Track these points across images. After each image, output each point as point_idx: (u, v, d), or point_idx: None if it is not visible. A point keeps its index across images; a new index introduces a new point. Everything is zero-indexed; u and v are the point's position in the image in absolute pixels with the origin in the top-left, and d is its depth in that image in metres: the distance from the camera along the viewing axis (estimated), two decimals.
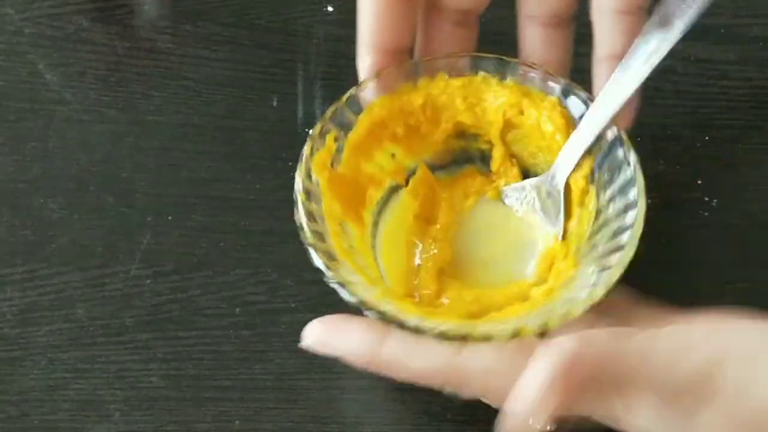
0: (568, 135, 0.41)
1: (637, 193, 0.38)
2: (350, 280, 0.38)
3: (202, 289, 0.46)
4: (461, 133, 0.43)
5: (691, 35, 0.50)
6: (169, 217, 0.47)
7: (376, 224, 0.43)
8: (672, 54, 0.49)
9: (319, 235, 0.39)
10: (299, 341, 0.45)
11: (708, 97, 0.49)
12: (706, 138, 0.48)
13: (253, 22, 0.51)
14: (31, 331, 0.45)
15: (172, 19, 0.51)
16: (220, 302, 0.46)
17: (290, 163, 0.48)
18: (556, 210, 0.41)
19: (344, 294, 0.38)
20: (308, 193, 0.40)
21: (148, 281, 0.46)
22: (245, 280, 0.46)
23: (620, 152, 0.39)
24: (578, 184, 0.40)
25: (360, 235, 0.41)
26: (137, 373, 0.44)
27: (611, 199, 0.39)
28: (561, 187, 0.41)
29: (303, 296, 0.45)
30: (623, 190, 0.38)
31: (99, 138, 0.49)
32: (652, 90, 0.48)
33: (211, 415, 0.44)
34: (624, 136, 0.39)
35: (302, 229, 0.39)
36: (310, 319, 0.45)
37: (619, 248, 0.37)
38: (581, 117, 0.40)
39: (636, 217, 0.37)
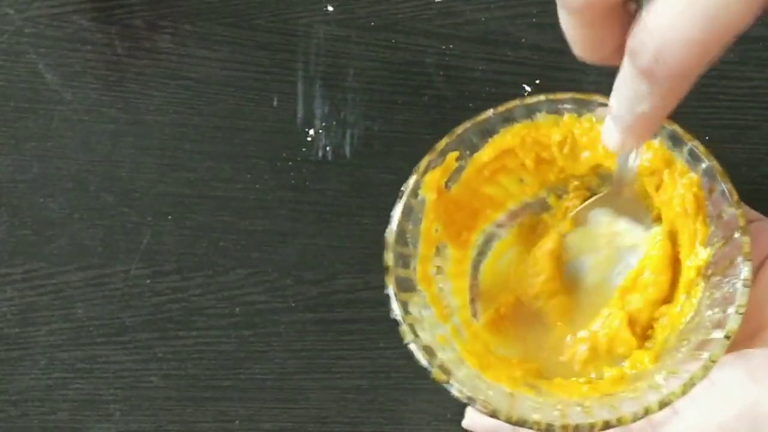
0: (695, 218, 0.38)
1: (734, 313, 0.35)
2: (417, 315, 0.37)
3: (202, 289, 0.46)
4: (599, 173, 0.42)
5: None
6: (169, 217, 0.47)
7: (489, 242, 0.42)
8: None
9: (403, 260, 0.38)
10: (299, 341, 0.45)
11: (708, 97, 0.49)
12: (706, 138, 0.48)
13: (253, 22, 0.51)
14: (31, 331, 0.45)
15: (172, 19, 0.51)
16: (220, 302, 0.46)
17: (290, 163, 0.48)
18: (641, 211, 0.40)
19: (403, 332, 0.36)
20: (408, 212, 0.38)
21: (148, 281, 0.46)
22: (245, 280, 0.46)
23: (738, 260, 0.36)
24: (689, 273, 0.38)
25: (459, 258, 0.40)
26: (137, 373, 0.44)
27: (712, 306, 0.37)
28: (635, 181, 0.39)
29: (303, 296, 0.46)
30: (725, 302, 0.36)
31: (99, 138, 0.49)
32: None
33: (211, 415, 0.44)
34: (748, 249, 0.36)
35: (387, 250, 0.38)
36: (310, 319, 0.45)
37: (696, 361, 0.35)
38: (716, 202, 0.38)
39: (719, 344, 0.35)
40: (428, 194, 0.39)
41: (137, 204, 0.48)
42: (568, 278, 0.41)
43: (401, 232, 0.38)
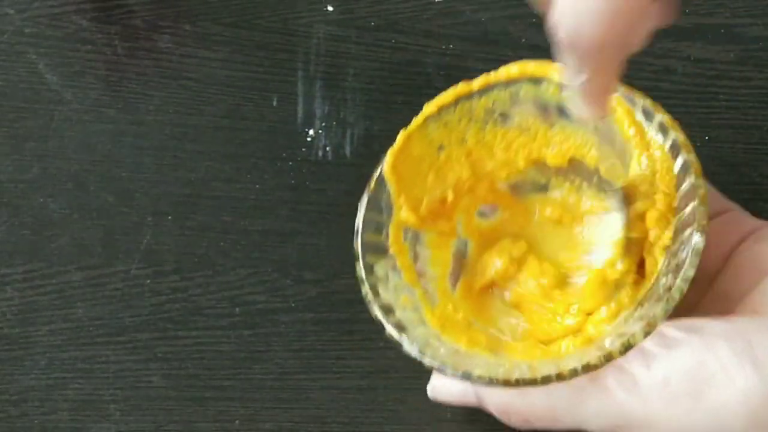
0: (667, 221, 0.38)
1: (680, 280, 0.35)
2: (382, 275, 0.38)
3: (202, 289, 0.46)
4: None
5: (691, 35, 0.50)
6: (169, 217, 0.47)
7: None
8: (672, 53, 0.49)
9: (376, 225, 0.39)
10: (299, 341, 0.45)
11: (708, 97, 0.49)
12: (706, 138, 0.48)
13: (253, 22, 0.51)
14: (31, 330, 0.45)
15: (172, 19, 0.51)
16: (220, 302, 0.46)
17: (290, 163, 0.48)
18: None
19: (365, 292, 0.37)
20: (383, 180, 0.39)
21: (148, 281, 0.46)
22: (245, 280, 0.46)
23: (693, 229, 0.36)
24: (657, 253, 0.38)
25: (443, 229, 0.41)
26: (137, 373, 0.44)
27: (666, 273, 0.37)
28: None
29: (303, 296, 0.45)
30: (677, 270, 0.36)
31: (99, 138, 0.49)
32: (652, 90, 0.48)
33: (211, 415, 0.44)
34: (704, 219, 0.36)
35: (359, 213, 0.39)
36: (310, 319, 0.45)
37: (640, 322, 0.35)
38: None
39: (662, 308, 0.35)
40: None
41: (137, 204, 0.48)
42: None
43: (375, 199, 0.39)
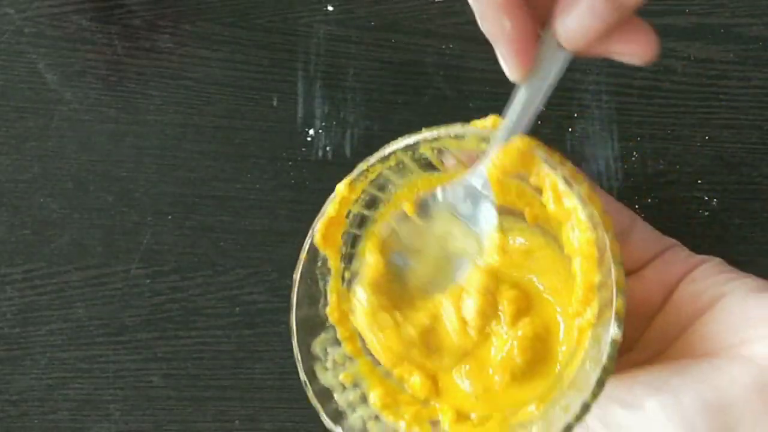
0: (590, 271, 0.35)
1: (594, 383, 0.33)
2: (318, 353, 0.38)
3: (202, 289, 0.46)
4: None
5: (691, 35, 0.50)
6: (169, 217, 0.47)
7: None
8: (672, 53, 0.49)
9: (310, 300, 0.39)
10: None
11: (708, 97, 0.49)
12: (706, 138, 0.48)
13: (253, 22, 0.51)
14: (31, 330, 0.45)
15: (172, 19, 0.51)
16: (220, 302, 0.46)
17: (290, 163, 0.48)
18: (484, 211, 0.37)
19: (303, 381, 0.37)
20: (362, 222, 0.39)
21: (148, 281, 0.46)
22: (245, 280, 0.46)
23: (611, 318, 0.34)
24: (575, 333, 0.36)
25: None
26: (137, 372, 0.44)
27: (591, 360, 0.34)
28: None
29: None
30: (597, 363, 0.34)
31: (99, 138, 0.49)
32: (652, 90, 0.48)
33: (211, 414, 0.44)
34: (621, 308, 0.33)
35: (293, 289, 0.38)
36: None
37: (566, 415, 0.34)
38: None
39: (581, 406, 0.33)
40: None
41: (137, 204, 0.48)
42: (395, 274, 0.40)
43: (308, 271, 0.38)
